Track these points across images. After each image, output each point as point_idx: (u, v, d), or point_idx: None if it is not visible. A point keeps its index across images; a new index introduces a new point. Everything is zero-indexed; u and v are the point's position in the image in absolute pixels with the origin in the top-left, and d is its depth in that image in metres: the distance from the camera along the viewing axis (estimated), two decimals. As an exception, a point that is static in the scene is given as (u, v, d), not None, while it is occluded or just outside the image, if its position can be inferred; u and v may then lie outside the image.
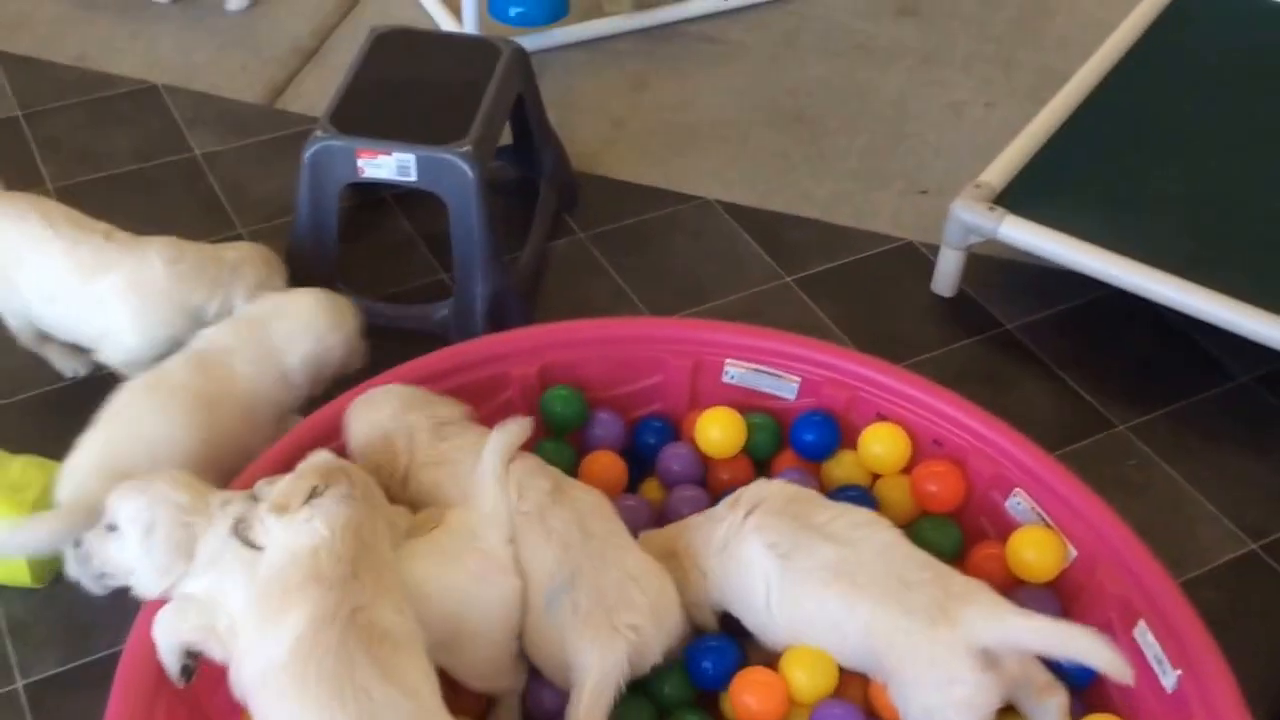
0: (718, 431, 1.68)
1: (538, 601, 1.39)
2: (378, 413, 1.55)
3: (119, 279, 1.74)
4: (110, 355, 1.78)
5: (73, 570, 1.34)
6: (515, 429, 1.48)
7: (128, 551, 1.37)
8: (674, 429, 1.76)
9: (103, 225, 1.80)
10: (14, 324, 1.85)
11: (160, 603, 1.36)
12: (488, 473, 1.43)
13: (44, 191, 2.19)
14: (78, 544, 1.35)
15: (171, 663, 1.33)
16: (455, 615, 1.37)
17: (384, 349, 1.81)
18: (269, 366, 1.68)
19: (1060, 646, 1.34)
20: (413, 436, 1.52)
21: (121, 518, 1.37)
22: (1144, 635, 1.44)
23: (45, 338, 1.87)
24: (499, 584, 1.39)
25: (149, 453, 1.54)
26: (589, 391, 1.74)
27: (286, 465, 1.44)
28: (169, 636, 1.33)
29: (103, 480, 1.46)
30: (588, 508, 1.46)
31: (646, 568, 1.42)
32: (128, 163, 2.30)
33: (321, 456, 1.40)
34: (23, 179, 2.23)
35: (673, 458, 1.70)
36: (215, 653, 1.31)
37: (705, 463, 1.71)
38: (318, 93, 2.47)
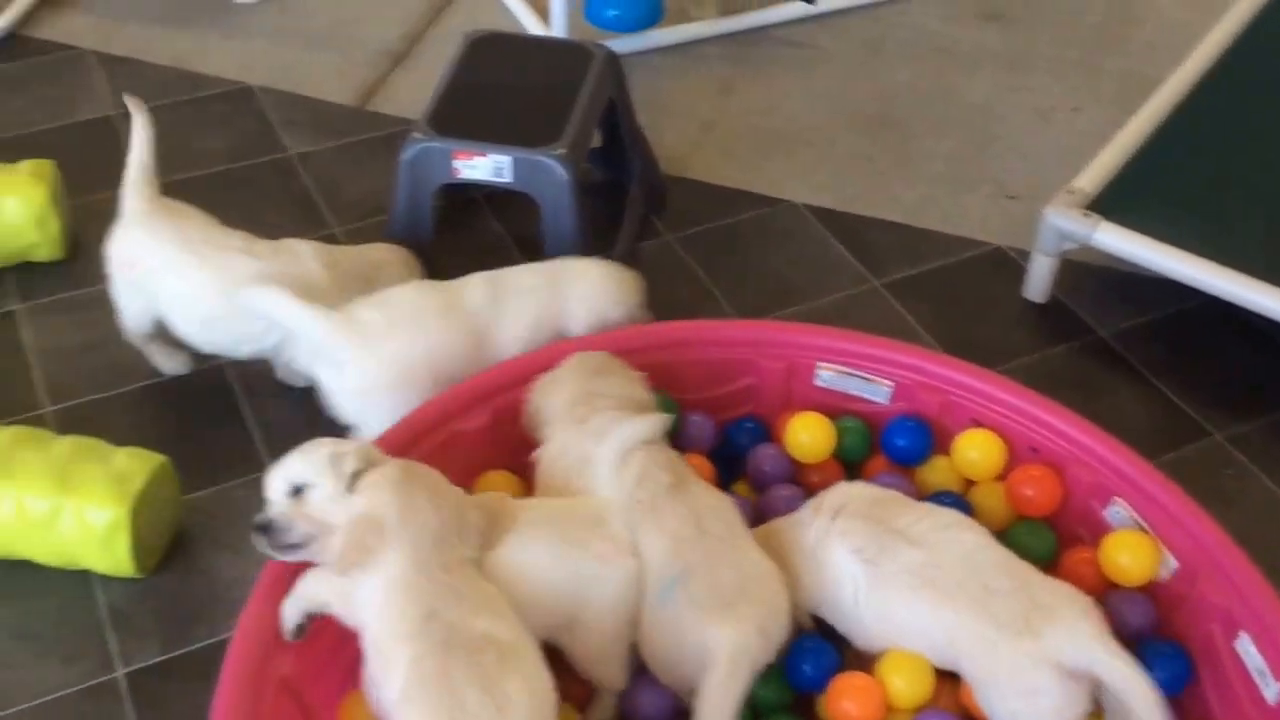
0: (807, 436, 1.68)
1: (651, 592, 1.41)
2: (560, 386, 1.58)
3: (275, 289, 1.73)
4: (282, 363, 1.84)
5: (262, 547, 1.36)
6: (647, 424, 1.50)
7: (324, 497, 1.37)
8: (766, 430, 1.76)
9: (238, 233, 1.84)
10: (133, 324, 1.89)
11: (277, 575, 1.39)
12: (605, 459, 1.46)
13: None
14: (263, 529, 1.37)
15: (292, 617, 1.37)
16: (577, 596, 1.39)
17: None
18: (550, 320, 1.74)
19: (1125, 694, 1.33)
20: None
21: (309, 471, 1.38)
22: (1246, 646, 1.42)
23: (152, 336, 1.91)
24: (621, 566, 1.41)
25: (428, 360, 1.67)
26: (681, 393, 1.74)
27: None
28: (307, 597, 1.36)
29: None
30: (707, 507, 1.46)
31: (765, 569, 1.43)
32: (222, 162, 2.35)
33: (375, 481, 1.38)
34: (119, 177, 2.27)
35: (764, 459, 1.70)
36: (344, 619, 1.36)
37: (796, 465, 1.71)
38: (407, 95, 2.51)
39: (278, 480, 1.39)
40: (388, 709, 1.27)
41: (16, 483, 1.62)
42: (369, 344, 1.67)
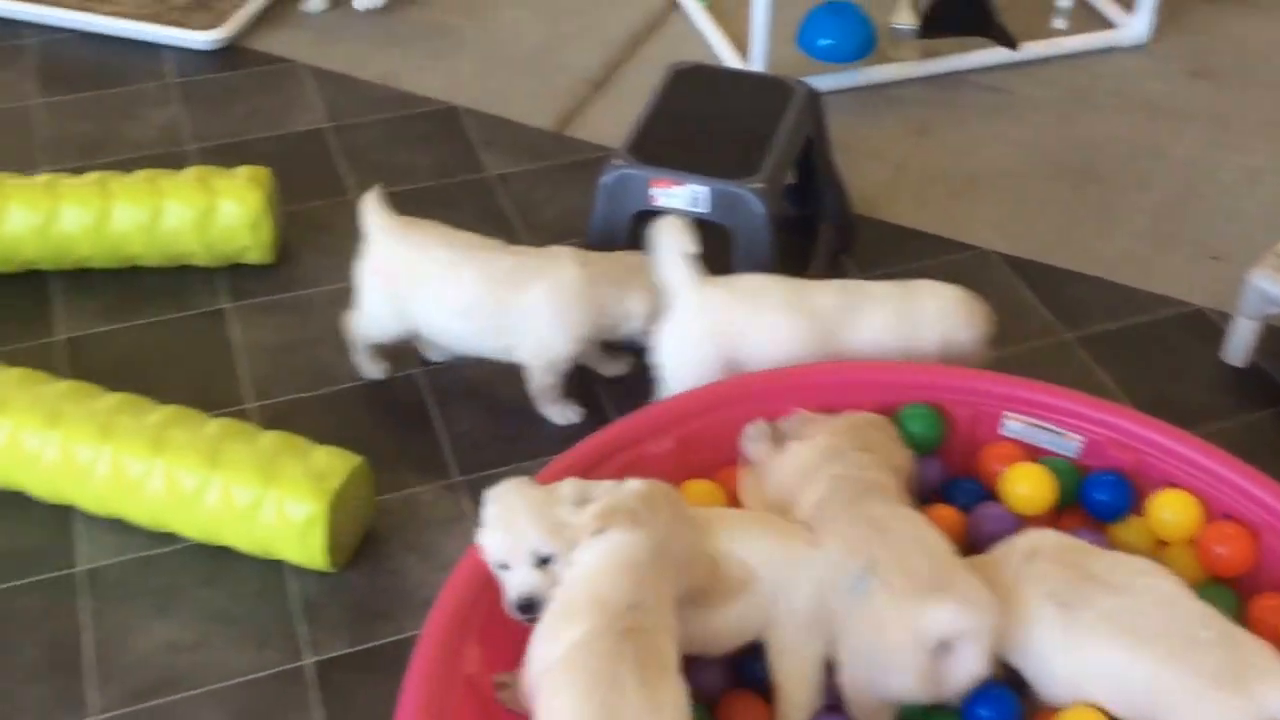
0: (1026, 488, 1.64)
1: (838, 593, 1.41)
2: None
3: (544, 287, 1.85)
4: (533, 359, 1.90)
5: (521, 617, 1.41)
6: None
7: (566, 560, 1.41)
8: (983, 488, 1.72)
9: (495, 241, 1.92)
10: (375, 331, 1.95)
11: (465, 578, 1.44)
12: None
13: (344, 203, 2.33)
14: (528, 608, 1.40)
15: (514, 601, 1.40)
16: (775, 589, 1.42)
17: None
18: (903, 333, 1.79)
19: None
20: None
21: (553, 543, 1.39)
22: None
23: (379, 344, 1.98)
24: (815, 556, 1.44)
25: (761, 352, 1.76)
26: None
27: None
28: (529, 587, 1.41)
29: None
30: (889, 514, 1.46)
31: (967, 573, 1.41)
32: (425, 179, 2.44)
33: (632, 486, 1.42)
34: (327, 187, 2.40)
35: (986, 519, 1.63)
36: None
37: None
38: (605, 122, 2.56)
39: (522, 553, 1.40)
40: (538, 673, 1.29)
41: (224, 473, 1.70)
42: (705, 309, 1.77)
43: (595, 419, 1.93)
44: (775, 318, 1.78)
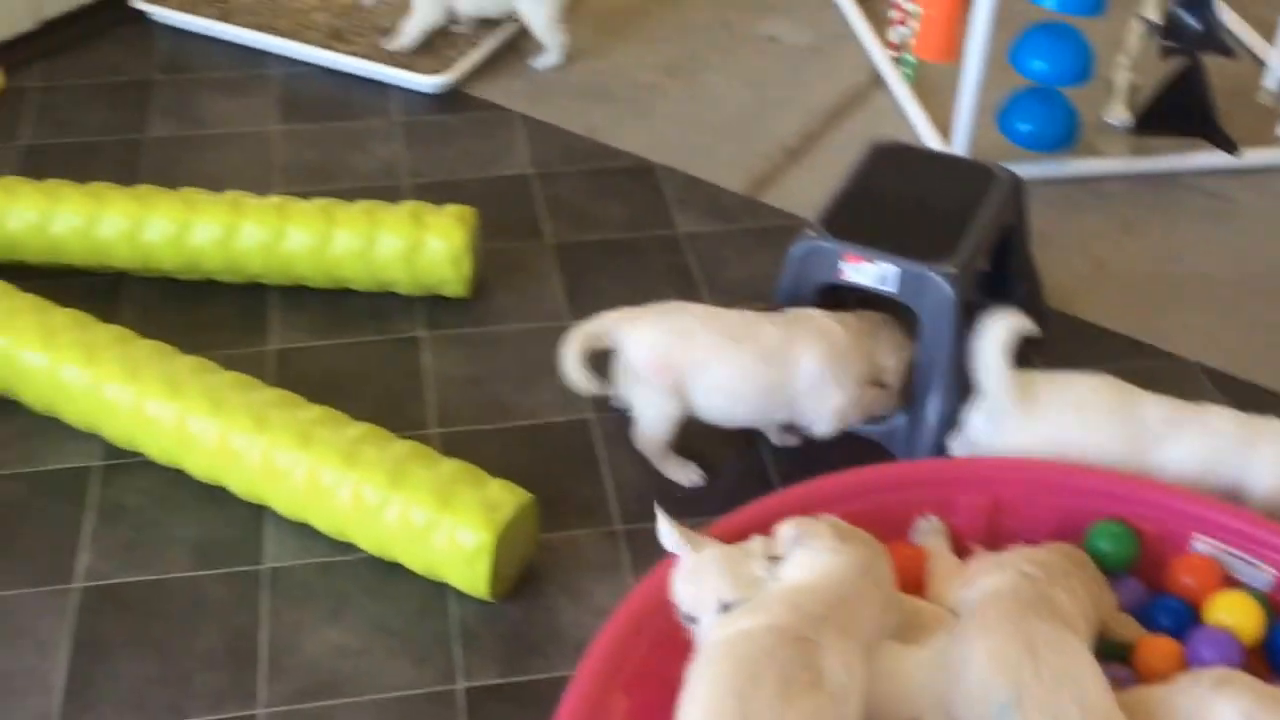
0: (1231, 618, 1.58)
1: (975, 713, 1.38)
2: None
3: (818, 353, 1.88)
4: (819, 421, 1.93)
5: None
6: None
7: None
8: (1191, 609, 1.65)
9: (749, 314, 1.94)
10: (660, 430, 1.94)
11: (621, 626, 1.48)
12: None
13: (540, 246, 2.43)
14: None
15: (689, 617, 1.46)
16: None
17: (827, 449, 1.91)
18: (1228, 471, 1.74)
19: None
20: None
21: (739, 589, 1.44)
22: None
23: (668, 444, 1.97)
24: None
25: (1081, 455, 1.76)
26: (1034, 537, 1.67)
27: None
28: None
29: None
30: (1047, 640, 1.41)
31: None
32: (617, 231, 2.51)
33: (829, 519, 1.49)
34: (526, 230, 2.49)
35: (1204, 643, 1.57)
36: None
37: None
38: (798, 191, 2.59)
39: (710, 605, 1.44)
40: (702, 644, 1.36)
41: (405, 493, 1.78)
42: (1032, 415, 1.78)
43: (760, 486, 1.95)
44: (1102, 428, 1.76)
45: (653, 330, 1.91)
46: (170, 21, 3.03)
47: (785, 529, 1.48)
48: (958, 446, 1.86)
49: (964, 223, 1.99)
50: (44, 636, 1.75)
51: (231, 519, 1.91)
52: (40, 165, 2.52)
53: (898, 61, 2.87)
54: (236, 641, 1.76)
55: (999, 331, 1.76)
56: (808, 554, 1.43)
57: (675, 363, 1.89)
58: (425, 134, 2.75)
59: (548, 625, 1.78)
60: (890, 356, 1.93)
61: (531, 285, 2.36)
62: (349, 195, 2.34)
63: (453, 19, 2.93)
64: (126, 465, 1.98)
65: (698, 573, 1.45)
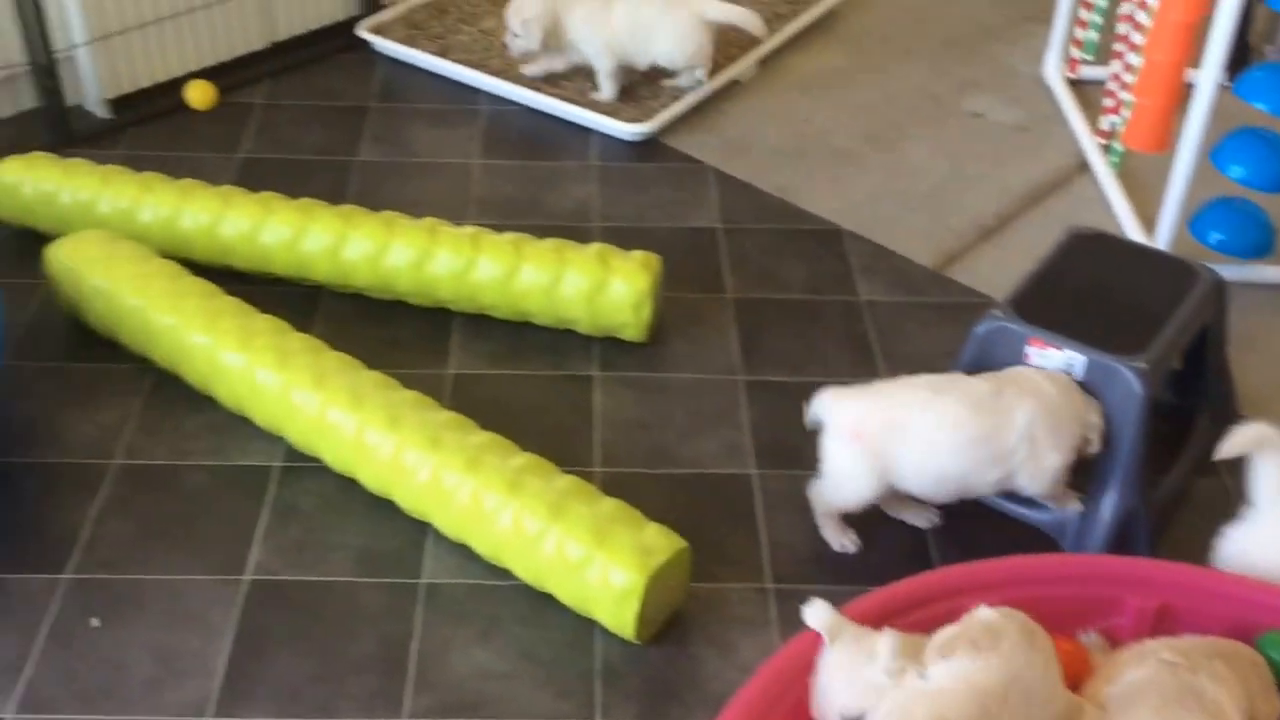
0: None
1: None
2: None
3: (1033, 406, 1.82)
4: (1034, 482, 1.87)
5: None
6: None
7: None
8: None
9: (950, 376, 1.91)
10: (862, 496, 1.90)
11: (761, 689, 1.47)
12: None
13: (720, 300, 2.45)
14: None
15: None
16: None
17: (989, 534, 1.88)
18: None
19: None
20: None
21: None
22: None
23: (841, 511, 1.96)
24: None
25: None
26: (1118, 637, 1.63)
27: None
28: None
29: None
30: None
31: None
32: (798, 291, 2.51)
33: (981, 615, 1.45)
34: (708, 282, 2.51)
35: None
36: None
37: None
38: (988, 270, 2.55)
39: (833, 713, 1.44)
40: None
41: (563, 526, 1.81)
42: None
43: (918, 563, 1.92)
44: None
45: (855, 397, 1.90)
46: (391, 53, 3.19)
47: (884, 640, 1.42)
48: (1224, 559, 1.77)
49: (1160, 319, 1.93)
50: (211, 623, 1.84)
51: (396, 531, 1.98)
52: (256, 178, 2.67)
53: (1106, 149, 2.80)
54: (389, 650, 1.81)
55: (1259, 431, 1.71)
56: (950, 664, 1.38)
57: (871, 426, 1.85)
58: (619, 179, 2.81)
59: (690, 674, 1.78)
60: (1098, 415, 1.85)
61: (708, 336, 2.38)
62: (540, 232, 2.40)
63: (645, 69, 3.00)
64: (304, 469, 2.08)
65: (821, 680, 1.44)
